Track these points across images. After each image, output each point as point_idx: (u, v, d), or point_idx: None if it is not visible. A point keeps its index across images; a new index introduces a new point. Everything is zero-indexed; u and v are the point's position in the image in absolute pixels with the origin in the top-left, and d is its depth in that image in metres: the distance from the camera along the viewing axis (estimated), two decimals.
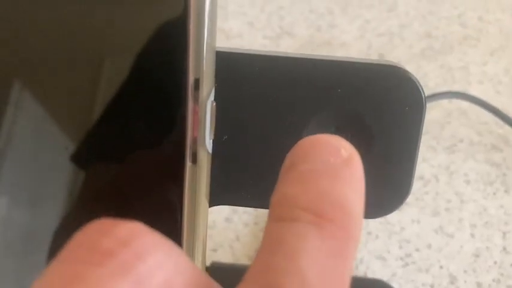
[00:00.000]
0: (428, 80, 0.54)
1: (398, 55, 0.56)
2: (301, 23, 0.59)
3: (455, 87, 0.53)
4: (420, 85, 0.22)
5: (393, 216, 0.43)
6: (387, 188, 0.22)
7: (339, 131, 0.22)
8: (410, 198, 0.44)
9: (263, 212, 0.42)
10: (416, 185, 0.45)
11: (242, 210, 0.43)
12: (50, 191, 0.23)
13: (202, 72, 0.20)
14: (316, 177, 0.14)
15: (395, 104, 0.22)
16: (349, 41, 0.58)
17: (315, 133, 0.21)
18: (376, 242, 0.42)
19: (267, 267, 0.13)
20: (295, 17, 0.59)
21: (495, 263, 0.41)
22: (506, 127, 0.48)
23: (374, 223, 0.43)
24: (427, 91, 0.50)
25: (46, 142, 0.22)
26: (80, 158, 0.22)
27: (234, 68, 0.22)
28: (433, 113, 0.51)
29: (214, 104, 0.21)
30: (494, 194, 0.45)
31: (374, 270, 0.40)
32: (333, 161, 0.14)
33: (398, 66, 0.22)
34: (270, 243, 0.13)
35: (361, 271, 0.40)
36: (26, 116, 0.22)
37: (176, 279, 0.13)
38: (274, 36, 0.58)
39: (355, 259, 0.14)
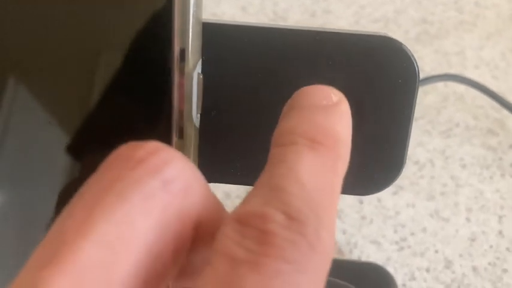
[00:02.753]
0: (424, 64, 0.53)
1: None
2: (296, 8, 0.58)
3: (452, 72, 0.52)
4: (413, 56, 0.21)
5: (388, 201, 0.43)
6: (380, 162, 0.22)
7: None
8: (405, 183, 0.43)
9: None
10: (411, 169, 0.45)
11: (235, 195, 0.43)
12: (45, 181, 0.22)
13: (188, 42, 0.20)
14: (311, 113, 0.17)
15: (388, 76, 0.21)
16: (344, 27, 0.58)
17: None
18: (371, 227, 0.41)
19: (270, 176, 0.15)
20: (289, 2, 0.59)
21: (491, 247, 0.40)
22: (503, 111, 0.48)
23: (369, 207, 0.42)
24: (423, 76, 0.49)
25: (38, 133, 0.22)
26: (76, 139, 0.21)
27: (222, 40, 0.21)
28: (429, 98, 0.50)
29: (201, 76, 0.21)
30: (490, 178, 0.44)
31: (369, 255, 0.40)
32: (325, 103, 0.17)
33: (391, 37, 0.21)
34: (272, 161, 0.16)
35: (355, 255, 0.39)
36: (19, 109, 0.21)
37: (194, 183, 0.15)
38: (268, 21, 0.57)
39: (343, 176, 0.17)
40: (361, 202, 0.42)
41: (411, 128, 0.22)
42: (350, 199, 0.43)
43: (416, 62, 0.21)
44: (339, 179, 0.16)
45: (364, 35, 0.21)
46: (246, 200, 0.15)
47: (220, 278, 0.14)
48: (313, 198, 0.15)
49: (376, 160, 0.22)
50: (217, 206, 0.17)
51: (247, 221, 0.14)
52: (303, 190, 0.15)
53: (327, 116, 0.17)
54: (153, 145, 0.15)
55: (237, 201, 0.42)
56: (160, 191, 0.15)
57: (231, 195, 0.43)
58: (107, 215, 0.14)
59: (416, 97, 0.21)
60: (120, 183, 0.14)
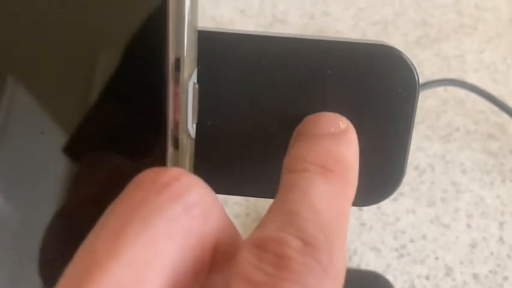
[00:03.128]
0: (424, 68, 0.53)
1: (393, 43, 0.55)
2: (295, 11, 0.58)
3: (451, 76, 0.52)
4: (413, 65, 0.20)
5: (388, 207, 0.42)
6: (379, 173, 0.21)
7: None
8: (405, 189, 0.43)
9: (254, 203, 0.41)
10: (411, 175, 0.44)
11: (233, 202, 0.42)
12: (44, 185, 0.22)
13: (183, 51, 0.19)
14: (320, 141, 0.18)
15: (387, 85, 0.20)
16: (343, 30, 0.57)
17: (304, 115, 0.20)
18: (371, 233, 0.41)
19: (284, 201, 0.16)
20: (288, 5, 0.58)
21: (492, 253, 0.40)
22: (503, 115, 0.47)
23: (368, 214, 0.42)
24: (422, 80, 0.49)
25: (35, 133, 0.21)
26: (69, 147, 0.21)
27: (218, 49, 0.21)
28: (429, 102, 0.50)
29: (197, 86, 0.20)
30: (491, 183, 0.44)
31: (368, 262, 0.39)
32: (333, 130, 0.18)
33: (390, 45, 0.21)
34: (285, 187, 0.17)
35: (355, 262, 0.39)
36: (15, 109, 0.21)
37: (213, 209, 0.16)
38: (267, 24, 0.57)
39: (352, 200, 0.18)
40: (360, 209, 0.42)
41: (411, 138, 0.22)
42: None
43: (416, 71, 0.20)
44: (348, 203, 0.17)
45: (363, 43, 0.20)
46: (261, 225, 0.16)
47: None
48: (325, 224, 0.16)
49: (375, 170, 0.21)
50: (233, 230, 0.18)
51: (264, 246, 0.15)
52: (316, 215, 0.16)
53: (336, 143, 0.18)
54: (176, 171, 0.16)
55: (236, 208, 0.41)
56: (183, 215, 0.16)
57: (228, 201, 0.42)
58: (134, 238, 0.15)
59: (416, 106, 0.21)
60: (146, 207, 0.15)
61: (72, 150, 0.21)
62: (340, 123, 0.19)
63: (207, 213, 0.16)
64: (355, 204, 0.23)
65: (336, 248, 0.16)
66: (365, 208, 0.42)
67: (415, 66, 0.21)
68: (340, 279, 0.16)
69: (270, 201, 0.18)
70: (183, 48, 0.19)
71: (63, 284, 0.14)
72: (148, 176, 0.16)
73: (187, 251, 0.15)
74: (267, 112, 0.21)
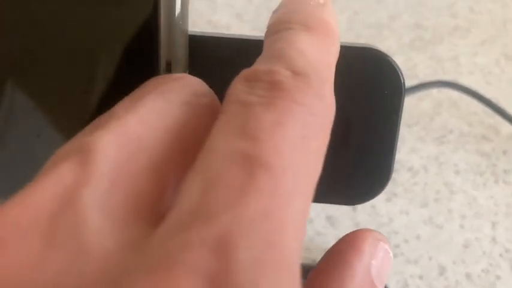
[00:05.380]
0: (418, 71, 0.53)
1: (388, 46, 0.56)
2: None
3: (446, 78, 0.52)
4: (399, 68, 0.21)
5: (381, 208, 0.43)
6: (367, 172, 0.22)
7: None
8: (398, 189, 0.43)
9: None
10: (405, 176, 0.45)
11: None
12: None
13: (174, 55, 0.20)
14: (303, 7, 0.18)
15: (374, 88, 0.21)
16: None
17: None
18: None
19: (270, 50, 0.16)
20: None
21: (484, 253, 0.40)
22: (497, 117, 0.48)
23: (362, 215, 0.42)
24: (417, 82, 0.49)
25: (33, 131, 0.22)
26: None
27: (209, 52, 0.21)
28: (423, 104, 0.50)
29: None
30: (484, 184, 0.44)
31: None
32: (312, 3, 0.18)
33: (377, 48, 0.21)
34: (269, 43, 0.17)
35: None
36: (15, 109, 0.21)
37: (219, 106, 0.17)
38: (263, 28, 0.57)
39: (335, 61, 0.17)
40: (354, 209, 0.42)
41: (398, 138, 0.22)
42: (343, 206, 0.43)
43: (401, 74, 0.21)
44: (333, 59, 0.17)
45: (350, 46, 0.21)
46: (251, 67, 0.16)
47: (235, 118, 0.14)
48: (313, 62, 0.16)
49: (363, 170, 0.22)
50: None
51: (255, 76, 0.15)
52: (305, 56, 0.16)
53: (318, 10, 0.18)
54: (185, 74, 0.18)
55: None
56: (195, 101, 0.16)
57: None
58: (151, 104, 0.16)
59: (402, 108, 0.21)
60: (163, 86, 0.17)
61: None
62: None
63: (214, 109, 0.16)
64: (344, 203, 0.23)
65: (326, 82, 0.16)
66: (359, 208, 0.42)
67: (410, 69, 0.21)
68: (331, 112, 0.15)
69: None
70: (174, 52, 0.20)
71: (82, 132, 0.15)
72: (160, 76, 0.18)
73: (197, 132, 0.16)
74: None
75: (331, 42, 0.17)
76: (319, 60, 0.16)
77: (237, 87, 0.15)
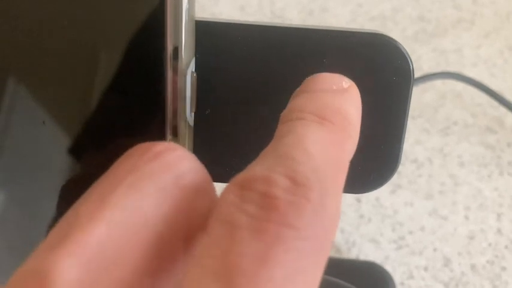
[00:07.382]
0: (422, 63, 0.53)
1: None
2: (293, 7, 0.58)
3: (449, 70, 0.52)
4: (408, 54, 0.21)
5: (386, 200, 0.42)
6: (375, 160, 0.22)
7: None
8: (403, 181, 0.43)
9: None
10: (409, 168, 0.45)
11: None
12: (41, 181, 0.22)
13: (181, 40, 0.20)
14: (321, 95, 0.17)
15: (383, 74, 0.21)
16: (342, 25, 0.57)
17: None
18: (369, 225, 0.41)
19: (276, 145, 0.15)
20: (286, 1, 0.59)
21: (489, 245, 0.40)
22: (501, 109, 0.48)
23: (366, 206, 0.42)
24: (421, 74, 0.49)
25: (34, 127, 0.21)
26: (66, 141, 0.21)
27: (216, 38, 0.21)
28: (427, 96, 0.50)
29: (195, 74, 0.21)
30: (488, 176, 0.44)
31: (367, 254, 0.39)
32: (335, 88, 0.17)
33: (385, 34, 0.21)
34: (279, 134, 0.16)
35: (353, 254, 0.39)
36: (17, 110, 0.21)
37: (205, 184, 0.15)
38: (266, 20, 0.57)
39: (350, 157, 0.16)
40: (359, 201, 0.42)
41: (406, 126, 0.22)
42: (348, 198, 0.42)
43: (411, 60, 0.21)
44: (346, 157, 0.16)
45: (358, 32, 0.21)
46: (249, 167, 0.15)
47: (217, 245, 0.13)
48: (320, 169, 0.14)
49: (371, 158, 0.22)
50: None
51: (249, 185, 0.14)
52: (310, 159, 0.14)
53: (337, 97, 0.17)
54: (168, 144, 0.15)
55: None
56: (173, 185, 0.15)
57: None
58: (120, 201, 0.14)
59: (411, 94, 0.21)
60: (135, 174, 0.15)
61: (72, 141, 0.22)
62: (343, 82, 0.17)
63: (198, 186, 0.15)
64: (350, 191, 0.23)
65: (331, 192, 0.14)
66: (363, 200, 0.42)
67: (414, 61, 0.21)
68: (333, 226, 0.14)
69: None
70: (181, 38, 0.20)
71: (42, 246, 0.14)
72: (142, 146, 0.15)
73: (175, 221, 0.14)
74: (264, 101, 0.22)
75: (347, 137, 0.16)
76: (328, 161, 0.15)
77: (229, 197, 0.14)
